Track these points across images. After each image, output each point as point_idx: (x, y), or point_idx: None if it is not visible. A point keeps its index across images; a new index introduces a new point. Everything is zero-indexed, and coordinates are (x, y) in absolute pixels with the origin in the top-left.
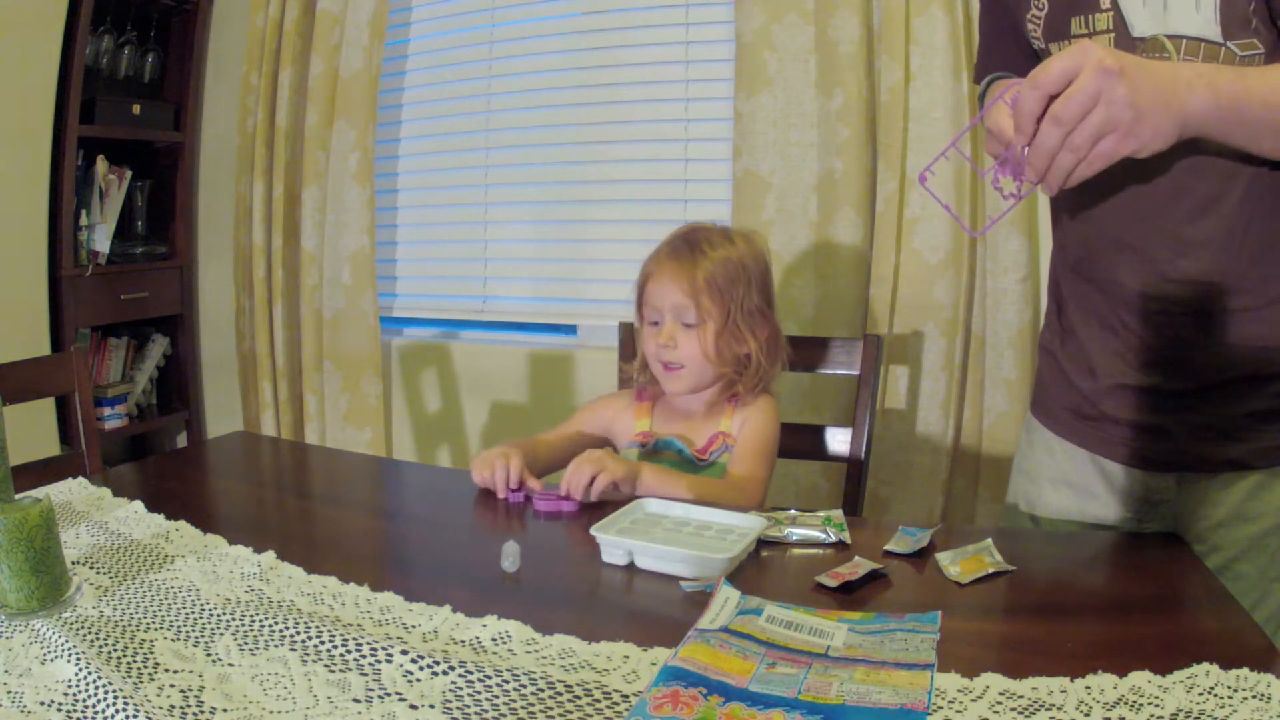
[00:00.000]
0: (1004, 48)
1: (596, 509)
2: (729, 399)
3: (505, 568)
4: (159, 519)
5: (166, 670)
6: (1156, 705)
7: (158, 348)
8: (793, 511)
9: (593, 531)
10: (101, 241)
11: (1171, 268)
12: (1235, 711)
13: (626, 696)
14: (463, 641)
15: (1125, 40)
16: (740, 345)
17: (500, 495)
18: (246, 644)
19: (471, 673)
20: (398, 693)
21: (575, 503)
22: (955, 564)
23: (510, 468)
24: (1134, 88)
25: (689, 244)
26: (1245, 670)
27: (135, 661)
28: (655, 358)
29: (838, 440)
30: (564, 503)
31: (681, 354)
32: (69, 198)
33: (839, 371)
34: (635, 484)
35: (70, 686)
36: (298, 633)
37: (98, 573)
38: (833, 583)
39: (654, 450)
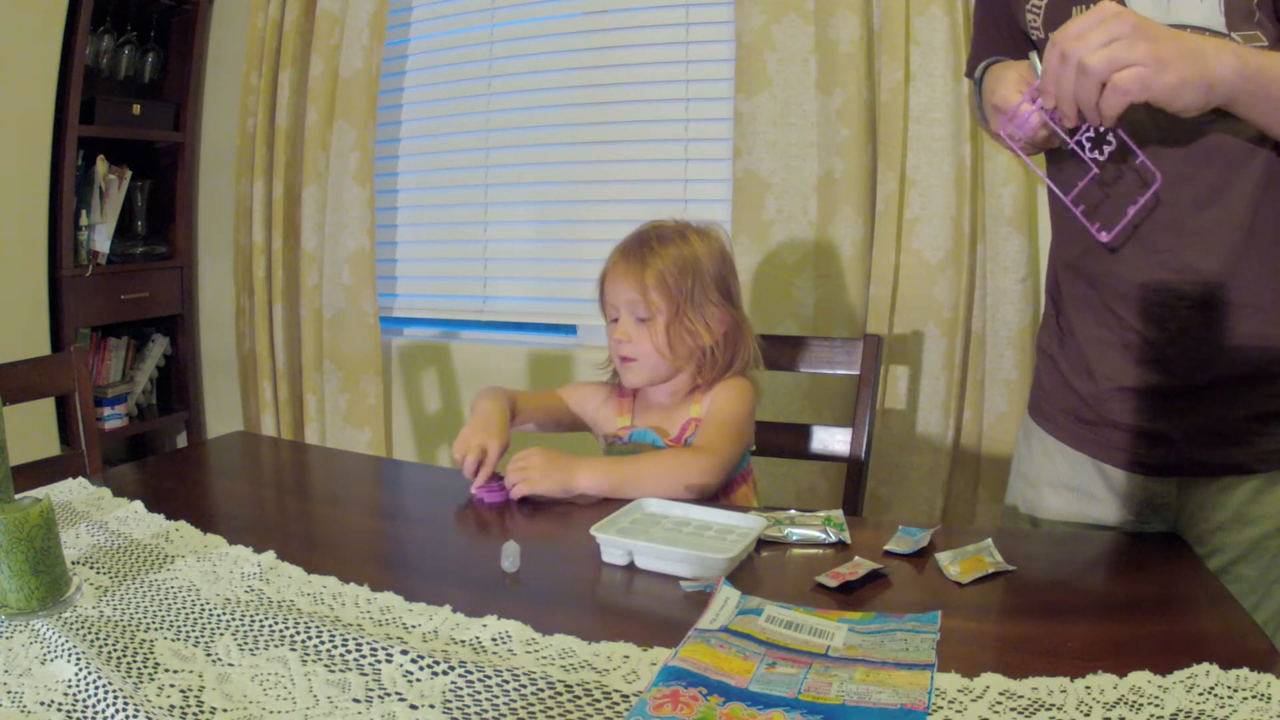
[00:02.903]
0: (998, 43)
1: (595, 507)
2: (697, 388)
3: (505, 568)
4: (159, 519)
5: (166, 670)
6: (1156, 705)
7: (158, 348)
8: (793, 511)
9: (593, 531)
10: (101, 241)
11: (1174, 259)
12: (1235, 711)
13: (626, 696)
14: (463, 641)
15: None
16: (695, 339)
17: (470, 477)
18: (246, 644)
19: (471, 673)
20: (398, 693)
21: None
22: (955, 564)
23: (486, 459)
24: (1152, 40)
25: (640, 242)
26: (1245, 670)
27: (135, 661)
28: (614, 352)
29: (838, 440)
30: (503, 493)
31: (635, 348)
32: (69, 198)
33: (839, 371)
34: (569, 490)
35: (70, 686)
36: (298, 633)
37: (98, 573)
38: (833, 583)
39: (630, 442)
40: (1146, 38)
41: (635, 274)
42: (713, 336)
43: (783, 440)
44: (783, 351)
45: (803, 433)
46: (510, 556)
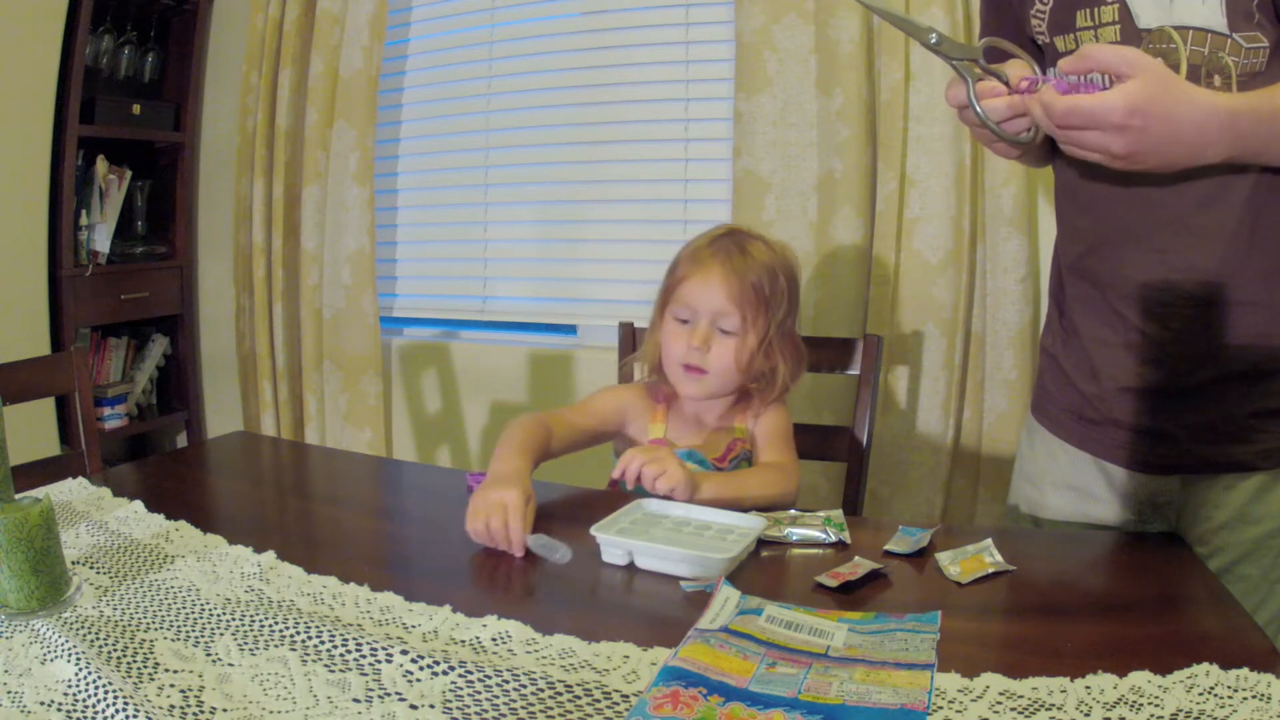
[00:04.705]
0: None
1: (595, 507)
2: (741, 407)
3: (557, 559)
4: (159, 519)
5: (166, 670)
6: (1156, 705)
7: (158, 348)
8: (793, 511)
9: (593, 531)
10: (101, 241)
11: (1179, 259)
12: (1235, 711)
13: (626, 696)
14: (463, 641)
15: (1131, 31)
16: (769, 361)
17: (502, 546)
18: (246, 644)
19: (471, 673)
20: (398, 693)
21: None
22: (955, 564)
23: (511, 523)
24: (1136, 163)
25: (738, 246)
26: (1245, 670)
27: (135, 661)
28: (679, 359)
29: (838, 440)
30: None
31: (711, 360)
32: (69, 198)
33: (839, 371)
34: (692, 494)
35: (70, 686)
36: (298, 633)
37: (98, 573)
38: (833, 583)
39: None
40: (1127, 160)
41: (733, 280)
42: (786, 364)
43: None
44: None
45: (803, 433)
46: (558, 550)
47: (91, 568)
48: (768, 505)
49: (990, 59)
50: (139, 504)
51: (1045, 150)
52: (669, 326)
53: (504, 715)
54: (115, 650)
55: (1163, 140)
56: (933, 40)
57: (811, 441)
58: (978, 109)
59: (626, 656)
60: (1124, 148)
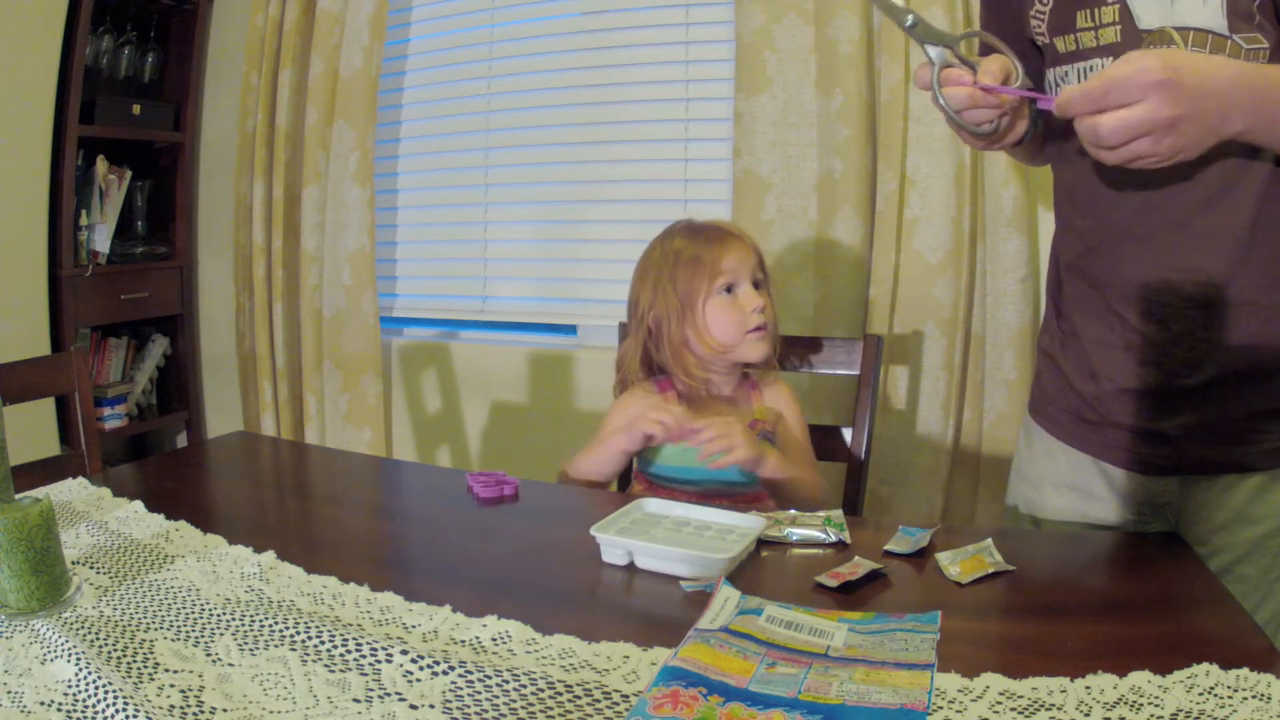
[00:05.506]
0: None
1: (595, 507)
2: (747, 383)
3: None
4: (159, 519)
5: (166, 670)
6: (1156, 705)
7: (158, 348)
8: (793, 511)
9: (593, 531)
10: (101, 241)
11: (1179, 259)
12: (1235, 711)
13: (626, 696)
14: (463, 641)
15: (1131, 32)
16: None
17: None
18: (246, 644)
19: (471, 673)
20: (398, 693)
21: (513, 484)
22: (955, 564)
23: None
24: (1182, 134)
25: (718, 226)
26: (1245, 670)
27: (135, 661)
28: (743, 327)
29: (838, 440)
30: (504, 485)
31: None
32: (69, 198)
33: (839, 371)
34: (759, 467)
35: (70, 686)
36: (298, 633)
37: (98, 573)
38: (833, 583)
39: None
40: (1178, 133)
41: (748, 240)
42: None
43: None
44: (783, 351)
45: None
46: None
47: (91, 568)
48: (806, 498)
49: (983, 52)
50: (139, 504)
51: (1040, 148)
52: (717, 305)
53: (504, 715)
54: (115, 650)
55: (1197, 95)
56: (908, 23)
57: (813, 441)
58: (939, 95)
59: (626, 656)
60: (1169, 109)
